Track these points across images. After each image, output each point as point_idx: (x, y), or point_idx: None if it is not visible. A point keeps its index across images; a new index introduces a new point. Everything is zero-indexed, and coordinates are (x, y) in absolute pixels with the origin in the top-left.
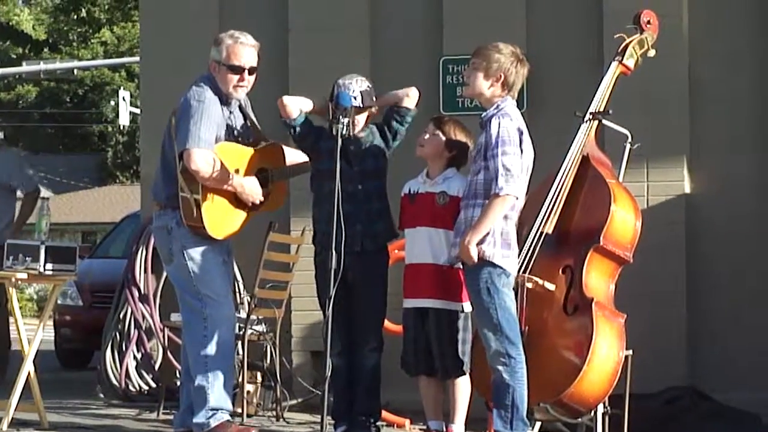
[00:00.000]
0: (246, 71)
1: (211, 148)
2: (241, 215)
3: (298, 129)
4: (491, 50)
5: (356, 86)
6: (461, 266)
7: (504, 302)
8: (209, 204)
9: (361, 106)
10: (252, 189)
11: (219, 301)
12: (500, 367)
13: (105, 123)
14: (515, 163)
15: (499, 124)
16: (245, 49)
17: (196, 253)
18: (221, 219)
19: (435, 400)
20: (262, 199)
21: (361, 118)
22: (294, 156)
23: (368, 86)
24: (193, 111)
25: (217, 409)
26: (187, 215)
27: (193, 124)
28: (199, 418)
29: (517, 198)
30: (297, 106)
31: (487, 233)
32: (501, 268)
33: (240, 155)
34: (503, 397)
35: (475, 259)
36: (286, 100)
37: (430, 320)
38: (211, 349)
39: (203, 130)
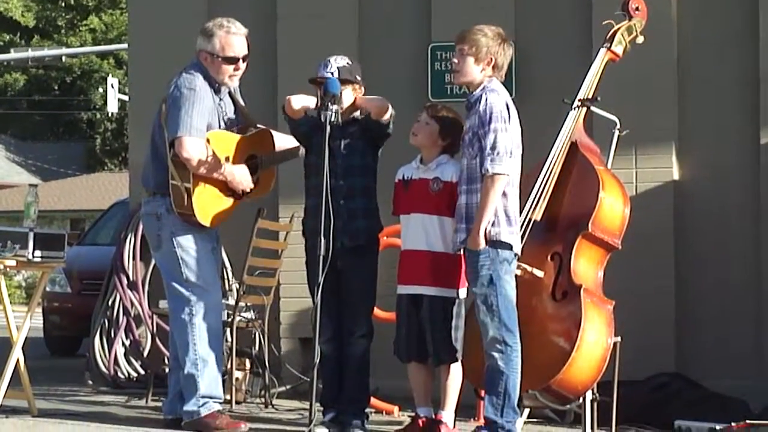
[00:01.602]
0: (240, 60)
1: (203, 136)
2: (230, 202)
3: (300, 128)
4: (477, 34)
5: (334, 62)
6: (462, 251)
7: (505, 289)
8: (199, 192)
9: (337, 71)
10: (242, 177)
11: (207, 288)
12: (496, 354)
13: (93, 110)
14: (502, 139)
15: (486, 99)
16: (238, 39)
17: (185, 240)
18: (211, 207)
19: (425, 386)
20: (252, 186)
21: (345, 95)
22: (283, 141)
23: (348, 63)
24: (185, 99)
25: (208, 397)
26: (178, 203)
27: (184, 112)
28: (189, 406)
29: (508, 175)
30: (302, 105)
31: None
32: (508, 245)
33: (230, 142)
34: (496, 384)
35: (483, 245)
36: (293, 100)
37: (424, 307)
38: (200, 336)
39: (195, 118)
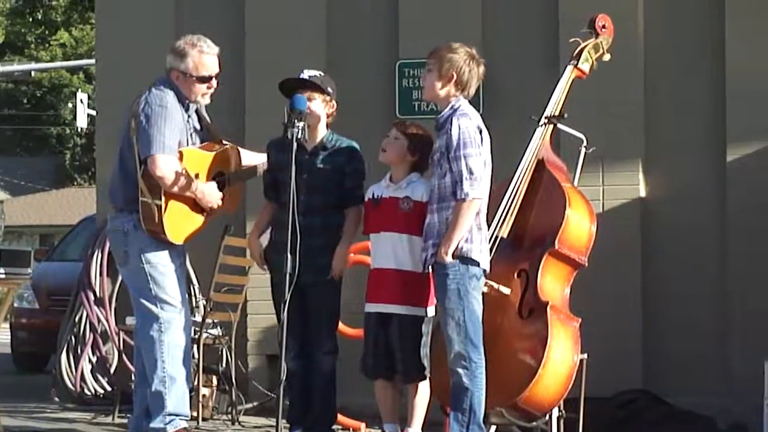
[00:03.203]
0: (213, 78)
1: (175, 154)
2: (200, 219)
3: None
4: (444, 51)
5: (306, 72)
6: (431, 269)
7: (472, 305)
8: (170, 209)
9: (307, 78)
10: (211, 194)
11: (175, 305)
12: (460, 370)
13: (63, 125)
14: (477, 164)
15: (459, 125)
16: (210, 58)
17: (153, 256)
18: (181, 224)
19: (392, 403)
20: (220, 203)
21: (315, 105)
22: (250, 158)
23: (320, 74)
24: (156, 116)
25: (175, 415)
26: (147, 220)
27: (157, 130)
28: (156, 423)
29: (482, 199)
30: (261, 238)
31: None
32: (477, 263)
33: (199, 159)
34: (461, 401)
35: (451, 259)
36: (253, 247)
37: (393, 326)
38: (168, 353)
39: (167, 135)
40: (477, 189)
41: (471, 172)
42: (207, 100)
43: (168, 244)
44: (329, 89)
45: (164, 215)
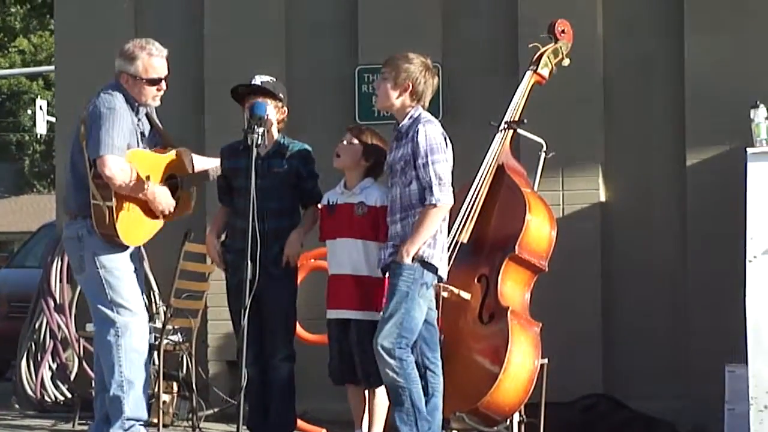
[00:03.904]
0: (162, 80)
1: (124, 156)
2: (154, 222)
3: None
4: (400, 60)
5: (258, 78)
6: (387, 272)
7: (414, 310)
8: (123, 212)
9: (258, 84)
10: (163, 198)
11: (132, 309)
12: (389, 372)
13: (22, 132)
14: (445, 170)
15: (426, 132)
16: (159, 61)
17: (108, 260)
18: (134, 226)
19: (363, 408)
20: (172, 209)
21: (268, 112)
22: (203, 162)
23: (272, 79)
24: (105, 118)
25: (134, 420)
26: (99, 223)
27: (105, 132)
28: (115, 429)
29: (451, 204)
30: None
31: None
32: (435, 269)
33: (150, 162)
34: (402, 401)
35: (410, 261)
36: (210, 246)
37: (351, 331)
38: (126, 358)
39: (116, 137)
40: (446, 194)
41: (440, 178)
42: (157, 102)
43: (123, 247)
44: (280, 95)
45: (116, 217)
